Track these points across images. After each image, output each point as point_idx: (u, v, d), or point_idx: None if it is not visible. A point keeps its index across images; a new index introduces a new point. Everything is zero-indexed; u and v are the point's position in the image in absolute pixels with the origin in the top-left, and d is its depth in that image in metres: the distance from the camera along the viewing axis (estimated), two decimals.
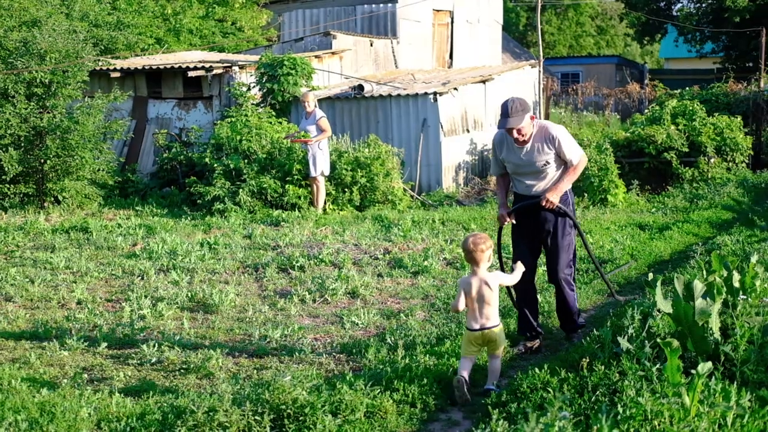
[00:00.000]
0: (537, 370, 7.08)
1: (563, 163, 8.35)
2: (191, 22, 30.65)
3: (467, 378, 7.29)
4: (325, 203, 16.99)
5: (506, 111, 8.07)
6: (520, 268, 7.92)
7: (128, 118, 20.59)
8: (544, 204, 8.24)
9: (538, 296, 9.23)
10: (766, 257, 9.80)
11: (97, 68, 20.08)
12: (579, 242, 9.09)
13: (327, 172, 16.99)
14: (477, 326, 7.42)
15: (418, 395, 7.10)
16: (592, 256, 9.23)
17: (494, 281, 7.52)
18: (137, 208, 17.76)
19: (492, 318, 7.46)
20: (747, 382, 6.41)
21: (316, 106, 17.12)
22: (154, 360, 8.58)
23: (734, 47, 45.19)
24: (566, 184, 8.36)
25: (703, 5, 46.57)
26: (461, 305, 7.48)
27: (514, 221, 8.55)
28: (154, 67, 20.83)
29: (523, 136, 8.16)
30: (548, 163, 8.26)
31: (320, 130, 16.76)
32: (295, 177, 17.01)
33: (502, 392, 6.99)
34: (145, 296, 10.92)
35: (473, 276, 7.48)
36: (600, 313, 9.89)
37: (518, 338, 8.76)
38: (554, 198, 8.23)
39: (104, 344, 9.05)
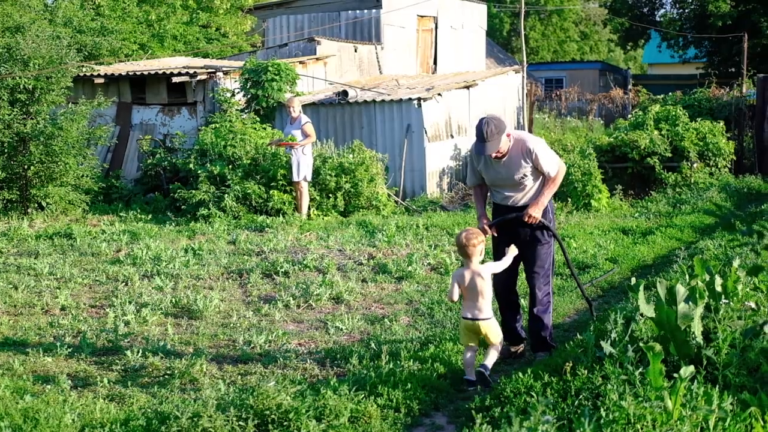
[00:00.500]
0: (521, 374, 7.10)
1: (541, 175, 8.29)
2: (175, 27, 30.63)
3: (474, 378, 7.65)
4: (309, 209, 16.99)
5: (482, 135, 7.96)
6: (512, 252, 8.06)
7: (112, 124, 20.55)
8: (526, 220, 8.19)
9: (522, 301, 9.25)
10: (748, 261, 9.85)
11: (81, 74, 20.06)
12: (558, 250, 9.09)
13: (309, 178, 16.98)
14: (470, 315, 7.74)
15: (402, 400, 7.11)
16: (572, 268, 9.13)
17: (486, 271, 7.77)
18: (121, 214, 17.74)
19: (484, 310, 7.73)
20: (729, 386, 6.45)
21: (301, 112, 17.13)
22: (138, 366, 8.57)
23: (717, 53, 45.40)
24: (547, 198, 8.30)
25: (686, 11, 46.81)
26: (455, 295, 7.74)
27: (495, 234, 8.50)
28: (138, 73, 20.79)
29: (501, 153, 8.10)
30: (526, 176, 8.20)
31: (305, 135, 16.76)
32: (280, 182, 17.01)
33: (485, 396, 7.02)
34: (129, 302, 10.90)
35: (466, 269, 7.74)
36: (582, 317, 9.93)
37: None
38: (536, 213, 8.18)
39: (88, 350, 9.05)
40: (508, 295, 8.66)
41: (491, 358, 7.77)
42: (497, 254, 8.61)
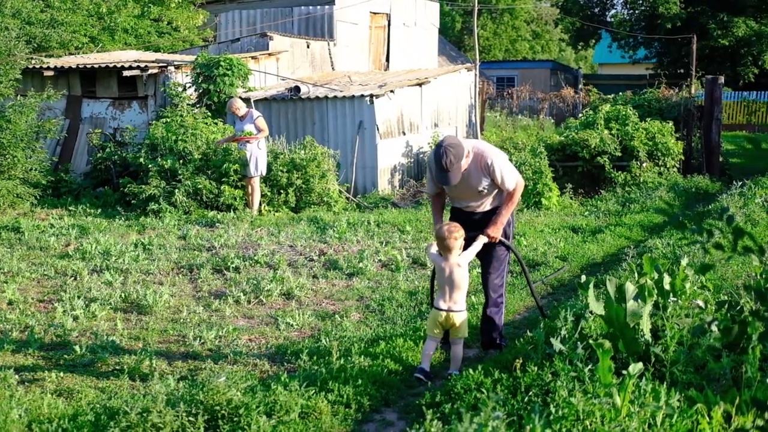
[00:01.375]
0: (471, 371, 7.14)
1: (499, 189, 8.25)
2: (126, 21, 30.35)
3: (428, 370, 7.74)
4: (260, 204, 16.93)
5: (441, 165, 7.78)
6: (481, 239, 8.06)
7: (62, 117, 20.37)
8: (489, 240, 8.17)
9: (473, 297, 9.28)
10: (696, 260, 9.96)
11: (30, 66, 19.84)
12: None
13: (265, 173, 16.99)
14: (444, 306, 7.75)
15: (352, 396, 7.12)
16: (530, 284, 9.12)
17: (465, 262, 7.86)
18: (70, 208, 17.56)
19: (459, 303, 7.78)
20: (676, 383, 6.52)
21: (249, 107, 17.06)
22: (86, 361, 8.51)
23: (666, 53, 45.92)
24: (505, 216, 8.24)
25: (637, 12, 47.23)
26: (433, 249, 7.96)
27: None
28: (88, 66, 20.61)
29: (462, 174, 7.99)
30: (485, 188, 8.16)
31: (259, 130, 16.74)
32: (231, 178, 16.94)
33: (436, 392, 7.03)
34: (78, 297, 10.82)
35: (445, 261, 7.79)
36: (533, 314, 9.98)
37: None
38: (496, 233, 8.16)
39: (36, 345, 8.97)
40: None
41: (458, 360, 7.84)
42: None
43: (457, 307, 7.77)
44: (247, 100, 19.97)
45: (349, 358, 7.99)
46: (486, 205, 8.30)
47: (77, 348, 8.69)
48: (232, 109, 17.00)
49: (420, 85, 21.84)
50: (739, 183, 18.00)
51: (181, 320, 10.10)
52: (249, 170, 16.72)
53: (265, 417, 6.60)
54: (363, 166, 19.70)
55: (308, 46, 25.22)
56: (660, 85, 26.57)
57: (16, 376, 8.00)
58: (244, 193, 16.92)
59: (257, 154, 16.71)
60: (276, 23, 26.88)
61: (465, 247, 8.01)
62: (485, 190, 8.18)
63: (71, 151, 20.51)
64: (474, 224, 8.28)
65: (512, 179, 8.20)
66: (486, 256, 8.40)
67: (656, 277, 7.74)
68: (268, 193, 17.25)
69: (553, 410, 5.81)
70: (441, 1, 39.78)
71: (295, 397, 6.87)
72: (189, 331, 9.50)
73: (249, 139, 16.59)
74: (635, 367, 5.84)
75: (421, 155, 21.35)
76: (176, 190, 16.72)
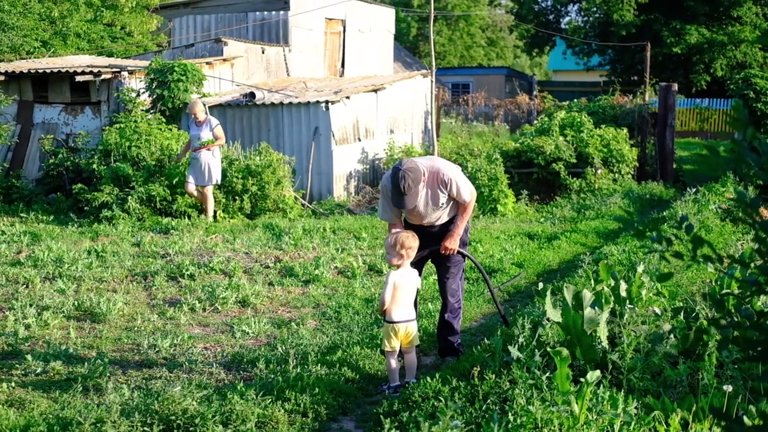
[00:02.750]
0: (428, 378, 7.12)
1: (454, 202, 8.29)
2: (78, 25, 30.09)
3: (401, 383, 7.65)
4: (215, 212, 16.79)
5: (399, 189, 7.82)
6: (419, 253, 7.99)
7: (13, 122, 20.14)
8: (442, 252, 8.23)
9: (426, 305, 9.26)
10: (652, 267, 10.01)
11: None
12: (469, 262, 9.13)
13: (220, 181, 16.80)
14: (403, 318, 7.65)
15: (309, 405, 7.08)
16: (490, 288, 9.11)
17: (416, 272, 7.93)
18: (22, 214, 17.35)
19: (413, 311, 7.80)
20: (633, 390, 6.55)
21: (207, 114, 16.88)
22: (39, 371, 8.39)
23: (620, 61, 46.34)
24: (461, 228, 8.29)
25: (591, 19, 47.59)
26: (388, 297, 7.62)
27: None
28: (40, 71, 20.38)
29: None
30: (443, 204, 8.19)
31: (216, 138, 16.53)
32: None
33: (393, 401, 7.01)
34: (30, 305, 10.66)
35: (401, 271, 7.68)
36: (490, 322, 9.99)
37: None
38: (453, 245, 8.22)
39: None
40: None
41: (413, 367, 7.82)
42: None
43: (413, 316, 7.76)
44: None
45: (306, 366, 7.96)
46: (443, 217, 8.33)
47: (29, 357, 8.56)
48: (194, 111, 16.56)
49: (376, 91, 21.83)
50: (693, 189, 18.15)
51: (136, 328, 10.00)
52: (203, 179, 16.52)
53: (221, 426, 6.54)
54: (318, 172, 19.64)
55: (263, 52, 25.12)
56: (614, 92, 26.79)
57: None
58: (196, 199, 16.75)
59: (211, 163, 16.46)
60: (231, 29, 26.76)
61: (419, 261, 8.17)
62: (443, 205, 8.21)
63: (23, 157, 20.28)
64: (431, 237, 8.29)
65: (468, 191, 8.25)
66: (442, 262, 8.44)
67: (613, 284, 7.78)
68: (223, 200, 17.14)
69: (511, 418, 5.81)
70: (396, 8, 39.83)
71: (251, 406, 6.82)
72: (143, 340, 9.40)
73: (207, 148, 16.41)
74: (593, 375, 5.86)
75: (377, 161, 21.33)
76: (129, 197, 16.57)
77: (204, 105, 17.13)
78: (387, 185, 8.13)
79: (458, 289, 8.54)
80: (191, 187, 16.48)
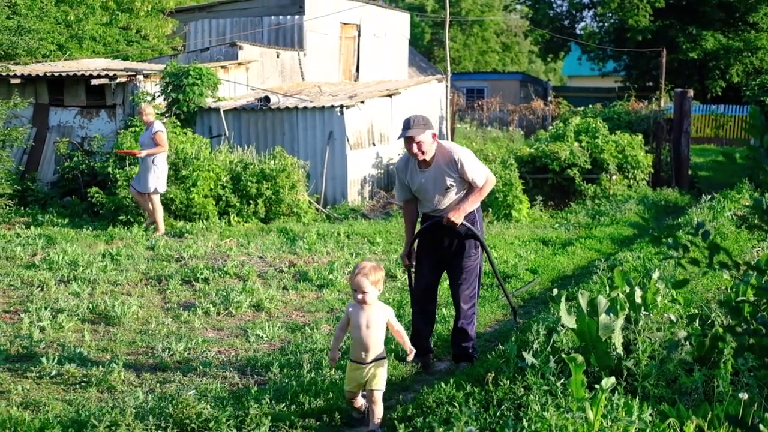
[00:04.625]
0: (443, 384, 7.10)
1: (469, 185, 8.31)
2: (94, 29, 30.19)
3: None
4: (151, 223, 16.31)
5: (407, 124, 8.12)
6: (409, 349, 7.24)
7: (29, 125, 20.20)
8: (444, 223, 8.19)
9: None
10: (667, 274, 9.98)
11: None
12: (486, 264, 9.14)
13: (161, 190, 16.19)
14: (367, 358, 6.85)
15: (323, 409, 7.07)
16: (499, 278, 9.18)
17: (387, 312, 7.02)
18: (37, 217, 17.42)
19: (381, 348, 6.93)
20: (648, 397, 6.52)
21: (155, 118, 16.57)
22: (54, 373, 8.40)
23: (635, 66, 46.20)
24: (471, 205, 8.29)
25: (606, 24, 47.50)
26: (341, 338, 7.11)
27: (414, 263, 8.59)
28: (56, 74, 20.46)
29: (423, 153, 8.13)
30: (452, 185, 8.21)
31: (156, 145, 15.98)
32: (201, 188, 16.83)
33: (407, 406, 7.00)
34: (45, 308, 10.69)
35: (363, 306, 6.86)
36: (504, 327, 9.97)
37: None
38: (456, 218, 8.15)
39: (2, 357, 8.86)
40: (426, 305, 8.63)
41: (377, 416, 6.91)
42: (418, 264, 8.63)
43: (381, 354, 6.92)
44: (216, 110, 19.91)
45: (320, 371, 7.95)
46: (453, 205, 8.32)
47: (44, 360, 8.58)
48: (141, 109, 16.29)
49: (390, 96, 21.83)
50: (708, 196, 18.09)
51: (150, 332, 10.01)
52: (139, 184, 16.10)
53: (235, 430, 6.55)
54: (333, 176, 19.65)
55: (278, 56, 25.16)
56: (629, 98, 26.72)
57: None
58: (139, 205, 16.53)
59: (149, 170, 15.94)
60: (246, 33, 26.80)
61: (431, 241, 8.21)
62: (453, 187, 8.23)
63: (38, 160, 20.35)
64: (445, 232, 8.33)
65: (482, 174, 8.33)
66: (455, 268, 8.42)
67: (628, 291, 7.76)
68: (237, 204, 17.16)
69: (525, 424, 5.80)
70: (411, 13, 39.84)
71: (265, 410, 6.82)
72: (158, 343, 9.41)
73: (135, 154, 16.19)
74: (608, 382, 5.84)
75: (391, 166, 21.32)
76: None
77: (152, 109, 16.63)
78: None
79: (472, 295, 8.51)
80: (132, 189, 16.31)
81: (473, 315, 8.56)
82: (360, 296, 6.82)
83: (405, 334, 7.17)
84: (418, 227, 8.65)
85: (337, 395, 7.29)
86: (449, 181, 8.20)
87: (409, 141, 8.13)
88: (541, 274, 12.96)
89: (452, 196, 8.27)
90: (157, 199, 16.09)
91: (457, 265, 8.40)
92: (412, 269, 8.70)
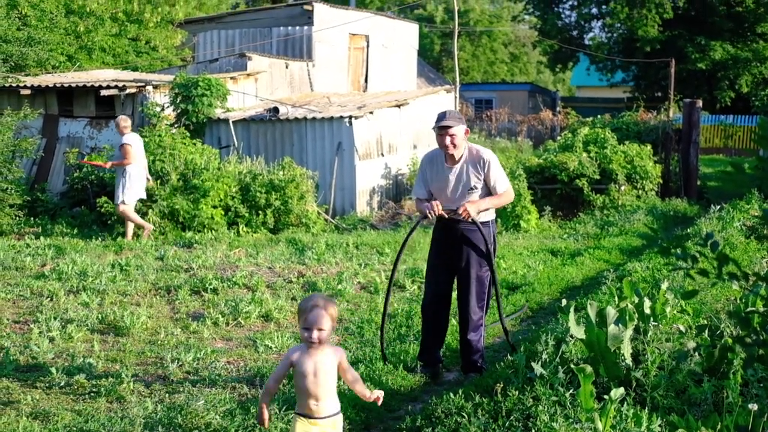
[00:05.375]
0: (451, 394, 7.09)
1: (488, 192, 8.29)
2: (104, 40, 30.27)
3: None
4: (134, 234, 16.47)
5: (443, 115, 8.11)
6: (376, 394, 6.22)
7: (38, 136, 20.26)
8: (460, 212, 8.08)
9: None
10: (676, 284, 9.97)
11: (7, 85, 19.74)
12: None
13: (128, 201, 16.35)
14: (320, 411, 5.71)
15: None
16: (498, 294, 9.05)
17: (340, 354, 5.90)
18: (47, 227, 17.46)
19: (336, 403, 5.84)
20: (657, 408, 6.51)
21: (130, 131, 16.61)
22: (63, 383, 8.41)
23: (644, 77, 46.22)
24: (487, 203, 8.27)
25: (615, 35, 47.51)
26: (275, 383, 5.88)
27: (444, 213, 8.22)
28: (65, 85, 20.53)
29: (455, 146, 8.11)
30: (475, 188, 8.20)
31: (123, 156, 16.30)
32: (210, 199, 16.86)
33: (416, 416, 6.99)
34: (54, 318, 10.71)
35: (313, 347, 5.71)
36: (514, 338, 9.95)
37: (417, 362, 8.67)
38: (472, 209, 8.08)
39: (11, 367, 8.87)
40: (438, 313, 8.57)
41: None
42: (431, 271, 8.59)
43: (335, 410, 5.82)
44: (225, 121, 19.95)
45: None
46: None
47: (53, 370, 8.60)
48: (117, 125, 16.61)
49: (399, 106, 21.86)
50: (717, 206, 18.04)
51: (159, 342, 10.02)
52: (115, 196, 16.50)
53: None
54: (342, 187, 19.67)
55: (287, 67, 25.21)
56: (638, 108, 26.71)
57: None
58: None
59: (121, 182, 16.27)
60: (255, 44, 26.87)
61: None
62: (473, 191, 8.21)
63: (48, 170, 20.41)
64: (458, 240, 8.31)
65: (504, 182, 8.37)
66: (465, 277, 8.37)
67: (636, 301, 7.74)
68: (246, 214, 17.19)
69: None
70: (420, 24, 39.89)
71: (274, 420, 6.82)
72: (167, 354, 9.41)
73: (97, 164, 16.37)
74: (617, 392, 5.83)
75: (400, 177, 21.35)
76: (150, 210, 16.65)
77: (125, 121, 16.71)
78: (424, 157, 8.59)
79: (481, 306, 8.46)
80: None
81: (481, 326, 8.50)
82: (315, 334, 5.60)
83: (360, 379, 6.05)
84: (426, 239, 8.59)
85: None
86: (473, 182, 8.20)
87: (443, 132, 8.09)
88: (550, 284, 12.92)
89: (474, 198, 8.24)
90: (126, 209, 16.31)
91: (467, 277, 8.35)
92: (431, 213, 8.25)
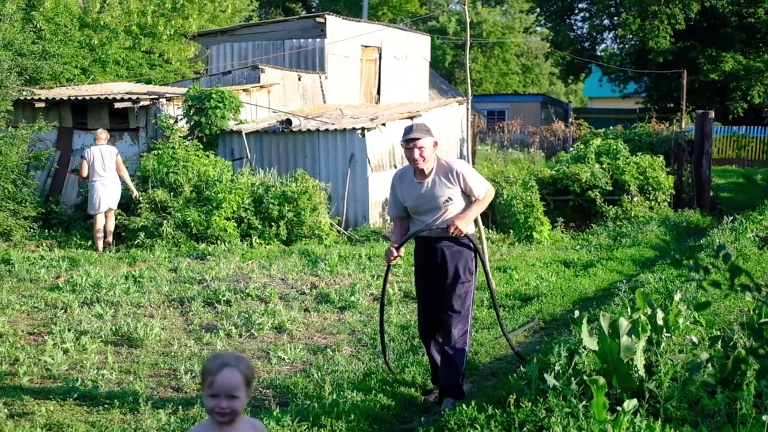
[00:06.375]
0: (464, 406, 7.09)
1: (468, 200, 8.01)
2: (117, 52, 30.42)
3: None
4: (105, 245, 17.05)
5: (410, 128, 7.84)
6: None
7: (53, 148, 20.34)
8: (452, 232, 7.78)
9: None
10: (689, 295, 9.96)
11: (22, 98, 19.82)
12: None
13: (90, 212, 17.35)
14: None
15: (345, 431, 7.08)
16: (495, 302, 8.97)
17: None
18: (61, 239, 17.53)
19: None
20: (670, 419, 6.50)
21: (100, 142, 17.36)
22: (77, 395, 8.44)
23: (656, 88, 46.21)
24: (474, 213, 8.03)
25: (627, 46, 47.51)
26: None
27: (401, 255, 8.13)
28: (79, 97, 20.61)
29: (423, 159, 7.80)
30: (451, 199, 7.90)
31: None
32: (223, 211, 16.91)
33: (429, 428, 7.00)
34: (69, 329, 10.75)
35: (225, 424, 4.30)
36: (525, 350, 9.94)
37: (433, 388, 8.42)
38: (463, 225, 7.80)
39: (26, 378, 8.90)
40: (433, 336, 8.26)
41: None
42: (419, 295, 8.33)
43: None
44: (238, 133, 20.00)
45: (342, 392, 7.95)
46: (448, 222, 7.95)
47: (67, 382, 8.63)
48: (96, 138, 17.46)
49: (411, 118, 21.87)
50: (730, 217, 18.01)
51: (172, 354, 10.05)
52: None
53: None
54: (354, 199, 19.68)
55: (299, 79, 25.28)
56: (650, 120, 26.69)
57: (6, 410, 7.94)
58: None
59: (90, 192, 17.29)
60: (268, 56, 26.95)
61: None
62: (449, 202, 7.89)
63: (62, 182, 20.48)
64: (439, 261, 8.01)
65: (483, 186, 8.07)
66: (447, 293, 8.04)
67: (649, 313, 7.73)
68: (259, 226, 17.23)
69: None
70: (432, 35, 39.96)
71: None
72: (180, 365, 9.44)
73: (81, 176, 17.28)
74: (630, 403, 5.83)
75: None
76: (165, 222, 16.70)
77: (101, 133, 17.60)
78: (394, 176, 8.23)
79: (465, 323, 8.06)
80: None
81: (465, 343, 8.10)
82: (225, 405, 4.24)
83: None
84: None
85: (359, 417, 7.30)
86: (448, 194, 7.90)
87: (411, 145, 7.81)
88: (563, 295, 12.91)
89: (451, 210, 7.92)
90: (97, 219, 17.09)
91: (450, 291, 8.00)
92: (394, 262, 8.16)
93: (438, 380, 8.25)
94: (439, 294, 8.08)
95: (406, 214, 8.20)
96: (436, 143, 7.94)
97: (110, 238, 17.03)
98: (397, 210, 8.25)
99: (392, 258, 8.07)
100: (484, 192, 8.06)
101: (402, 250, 8.13)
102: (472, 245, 8.04)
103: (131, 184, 17.45)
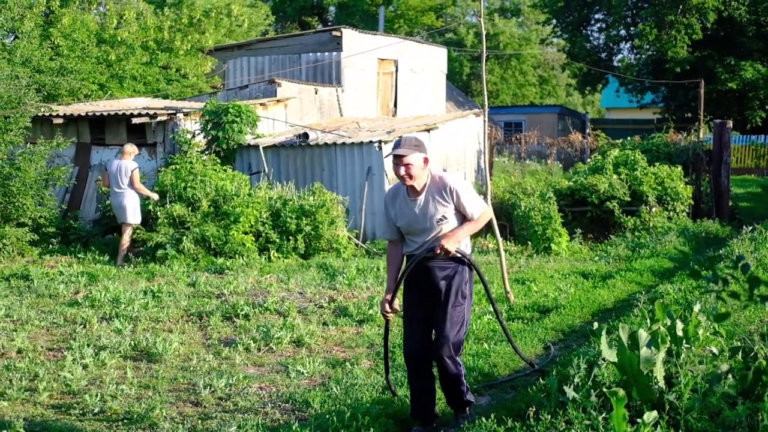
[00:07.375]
0: (483, 419, 7.07)
1: (463, 220, 7.55)
2: (135, 68, 30.59)
3: None
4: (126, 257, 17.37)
5: (398, 143, 7.38)
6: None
7: (71, 164, 20.43)
8: (438, 251, 7.36)
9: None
10: (708, 306, 9.91)
11: (40, 114, 19.93)
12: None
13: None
14: None
15: None
16: (499, 317, 8.88)
17: None
18: (79, 255, 17.58)
19: None
20: (691, 431, 6.46)
21: (128, 156, 17.70)
22: (96, 410, 8.45)
23: (674, 98, 46.11)
24: (465, 233, 7.54)
25: (644, 56, 47.43)
26: None
27: (397, 310, 7.74)
28: (97, 113, 20.71)
29: (411, 176, 7.34)
30: (445, 218, 7.45)
31: None
32: (241, 225, 16.94)
33: None
34: (88, 345, 10.76)
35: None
36: (542, 363, 9.91)
37: (411, 422, 7.83)
38: (450, 245, 7.35)
39: (45, 394, 8.92)
40: (421, 367, 7.73)
41: None
42: (406, 318, 7.83)
43: None
44: (255, 147, 20.04)
45: (361, 406, 7.93)
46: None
47: (87, 397, 8.64)
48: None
49: (428, 130, 21.88)
50: (749, 227, 17.93)
51: (191, 368, 10.05)
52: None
53: None
54: (372, 212, 19.68)
55: (316, 93, 25.33)
56: (668, 130, 26.63)
57: (25, 426, 7.95)
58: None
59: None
60: (284, 70, 27.02)
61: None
62: (443, 221, 7.46)
63: (80, 198, 20.57)
64: (430, 283, 7.60)
65: (478, 206, 7.61)
66: (439, 319, 7.62)
67: (669, 324, 7.69)
68: (277, 240, 17.26)
69: None
70: (448, 47, 39.98)
71: None
72: (199, 380, 9.44)
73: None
74: (650, 415, 5.80)
75: None
76: (184, 237, 16.74)
77: (128, 148, 17.90)
78: (387, 194, 7.78)
79: (458, 348, 7.66)
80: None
81: (458, 363, 7.73)
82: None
83: None
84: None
85: (378, 430, 7.28)
86: (443, 213, 7.45)
87: (397, 161, 7.36)
88: (582, 307, 12.86)
89: (445, 230, 7.48)
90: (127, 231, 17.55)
91: (442, 316, 7.55)
92: (390, 317, 7.86)
93: (445, 399, 7.98)
94: (429, 316, 7.67)
95: (400, 236, 7.73)
96: (426, 159, 7.44)
97: (123, 252, 17.10)
98: (391, 231, 7.78)
99: (387, 314, 7.79)
100: (479, 212, 7.61)
101: (396, 302, 7.72)
102: (466, 261, 7.59)
103: (148, 192, 17.54)
